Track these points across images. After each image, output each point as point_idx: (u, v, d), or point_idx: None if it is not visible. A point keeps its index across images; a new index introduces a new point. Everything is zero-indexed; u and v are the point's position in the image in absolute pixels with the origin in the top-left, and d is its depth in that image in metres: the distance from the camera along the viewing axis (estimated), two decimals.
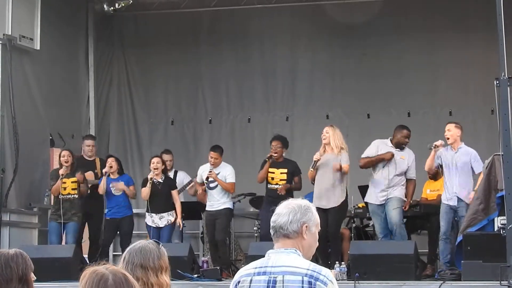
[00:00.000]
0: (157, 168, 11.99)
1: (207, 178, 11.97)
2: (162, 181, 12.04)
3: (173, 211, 12.00)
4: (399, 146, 11.25)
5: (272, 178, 11.76)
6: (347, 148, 11.31)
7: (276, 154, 11.77)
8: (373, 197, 11.19)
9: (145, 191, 11.99)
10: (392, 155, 11.13)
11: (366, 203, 11.55)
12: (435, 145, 10.78)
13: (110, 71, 15.18)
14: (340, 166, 11.05)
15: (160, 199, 11.98)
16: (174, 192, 12.11)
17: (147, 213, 12.11)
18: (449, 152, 10.83)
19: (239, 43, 14.74)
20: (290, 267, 3.76)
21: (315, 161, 11.21)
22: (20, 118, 12.39)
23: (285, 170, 11.76)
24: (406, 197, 11.20)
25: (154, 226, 11.96)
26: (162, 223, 11.98)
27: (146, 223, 12.17)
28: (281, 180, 11.74)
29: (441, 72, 13.99)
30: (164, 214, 11.98)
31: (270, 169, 11.80)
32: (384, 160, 11.16)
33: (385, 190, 11.08)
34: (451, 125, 10.92)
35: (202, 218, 12.83)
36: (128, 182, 12.28)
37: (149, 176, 12.02)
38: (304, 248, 3.84)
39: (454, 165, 10.73)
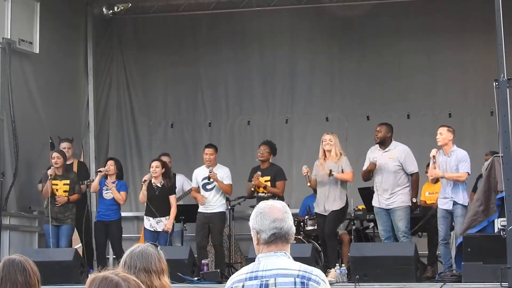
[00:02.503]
0: (155, 172, 11.98)
1: (208, 177, 11.94)
2: (160, 186, 12.03)
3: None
4: (384, 143, 11.22)
5: (258, 187, 11.83)
6: (344, 153, 11.36)
7: (262, 158, 11.85)
8: (376, 200, 11.18)
9: (141, 195, 12.02)
10: (374, 165, 11.10)
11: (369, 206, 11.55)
12: (433, 155, 10.77)
13: (109, 74, 15.17)
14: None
15: (157, 203, 11.95)
16: (171, 197, 12.07)
17: (145, 217, 12.11)
18: (442, 157, 10.82)
19: (238, 46, 14.73)
20: (282, 269, 3.77)
21: (306, 175, 11.29)
22: (20, 121, 12.38)
23: (269, 178, 11.83)
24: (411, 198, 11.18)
25: (152, 229, 11.95)
26: (159, 227, 11.94)
27: (144, 227, 12.14)
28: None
29: (440, 74, 13.98)
30: (162, 219, 11.94)
31: None
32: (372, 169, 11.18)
33: (387, 194, 11.05)
34: (443, 128, 10.90)
35: None
36: (121, 187, 12.25)
37: (143, 179, 12.01)
38: (289, 250, 3.88)
39: (448, 169, 10.72)
